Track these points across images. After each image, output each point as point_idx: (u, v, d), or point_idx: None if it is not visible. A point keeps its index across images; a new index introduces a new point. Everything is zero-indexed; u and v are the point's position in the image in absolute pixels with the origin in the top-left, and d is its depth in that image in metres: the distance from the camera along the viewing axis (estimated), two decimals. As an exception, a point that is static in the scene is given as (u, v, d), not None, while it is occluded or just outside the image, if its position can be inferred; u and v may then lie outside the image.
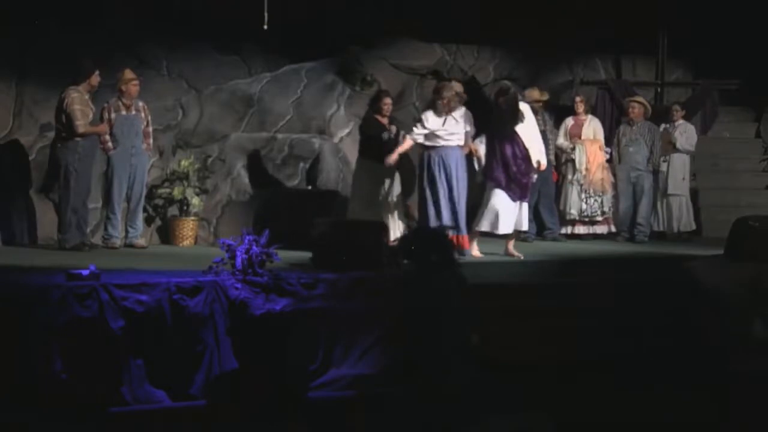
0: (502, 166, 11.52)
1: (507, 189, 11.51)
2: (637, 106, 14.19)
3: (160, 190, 12.63)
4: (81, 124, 11.42)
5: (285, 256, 10.03)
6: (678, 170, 14.29)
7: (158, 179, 12.72)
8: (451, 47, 14.95)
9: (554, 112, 14.46)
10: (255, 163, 13.17)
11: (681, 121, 14.46)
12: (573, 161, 13.94)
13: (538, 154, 11.68)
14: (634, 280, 11.72)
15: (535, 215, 13.54)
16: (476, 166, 11.93)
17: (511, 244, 11.77)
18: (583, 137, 13.93)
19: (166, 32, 13.56)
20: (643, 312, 10.38)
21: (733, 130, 15.61)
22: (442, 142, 11.59)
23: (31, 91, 12.87)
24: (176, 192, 12.56)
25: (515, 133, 11.47)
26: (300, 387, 8.73)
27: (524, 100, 12.01)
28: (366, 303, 9.44)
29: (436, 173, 11.56)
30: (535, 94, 13.76)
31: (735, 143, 15.55)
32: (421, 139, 11.59)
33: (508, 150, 11.49)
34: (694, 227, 14.43)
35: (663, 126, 14.37)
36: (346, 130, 13.79)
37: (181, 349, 8.79)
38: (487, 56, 15.24)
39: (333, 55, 14.20)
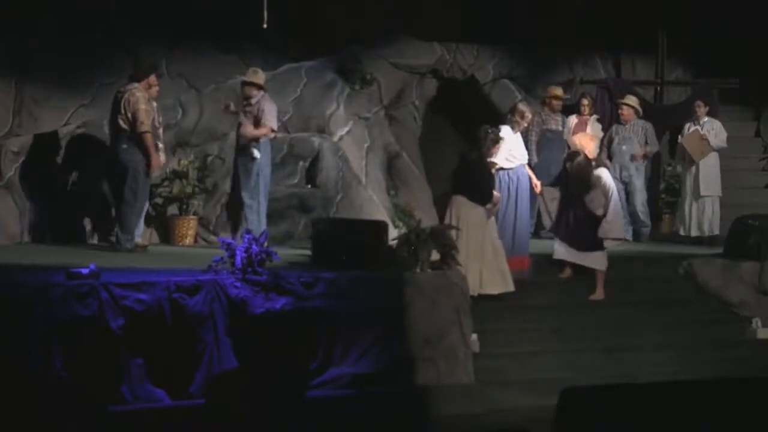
0: (564, 225, 11.46)
1: (564, 242, 11.46)
2: (626, 108, 14.11)
3: (160, 189, 12.62)
4: (145, 124, 11.19)
5: (284, 254, 10.04)
6: (710, 170, 13.85)
7: (158, 178, 12.69)
8: (450, 46, 14.93)
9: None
10: (255, 161, 13.16)
11: (707, 118, 14.07)
12: None
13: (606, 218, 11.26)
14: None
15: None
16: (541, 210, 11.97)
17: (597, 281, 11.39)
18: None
19: (165, 31, 13.55)
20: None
21: (732, 129, 15.59)
22: (517, 162, 11.51)
23: (31, 90, 12.85)
24: (176, 191, 12.55)
25: (583, 200, 11.31)
26: (300, 386, 8.76)
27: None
28: (366, 302, 9.45)
29: (513, 193, 11.45)
30: (557, 91, 13.77)
31: (734, 142, 15.51)
32: (507, 165, 11.42)
33: (573, 213, 11.37)
34: (717, 231, 13.76)
35: (688, 125, 14.07)
36: (346, 129, 13.76)
37: (181, 348, 8.80)
38: (487, 55, 15.22)
39: (332, 54, 14.19)
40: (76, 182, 12.29)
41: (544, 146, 13.51)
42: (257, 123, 11.58)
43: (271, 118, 11.64)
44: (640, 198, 13.97)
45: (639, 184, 13.98)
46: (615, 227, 11.29)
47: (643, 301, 11.41)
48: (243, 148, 11.67)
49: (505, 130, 11.27)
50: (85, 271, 8.72)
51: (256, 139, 11.57)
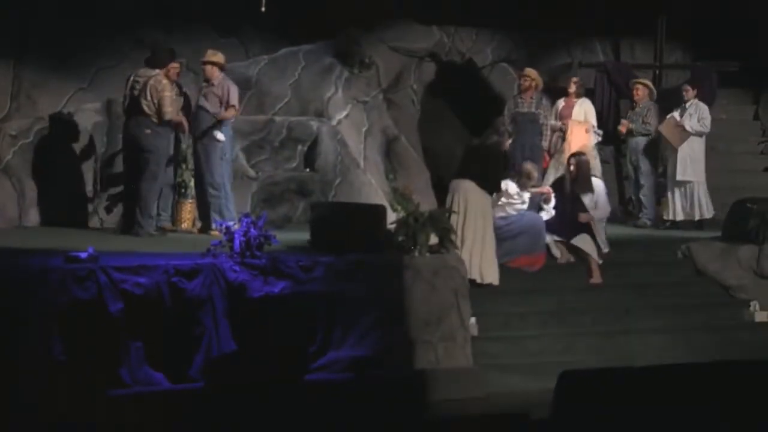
0: (557, 220, 11.47)
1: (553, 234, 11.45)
2: (641, 87, 13.90)
3: (158, 173, 12.60)
4: (170, 111, 11.14)
5: (283, 238, 10.03)
6: (688, 155, 13.58)
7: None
8: (449, 29, 14.91)
9: (553, 95, 14.33)
10: (253, 145, 13.15)
11: (693, 101, 13.73)
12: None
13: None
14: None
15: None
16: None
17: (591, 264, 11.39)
18: (573, 118, 13.58)
19: (164, 14, 13.53)
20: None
21: (731, 112, 15.58)
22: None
23: (29, 74, 12.84)
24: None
25: (578, 200, 11.39)
26: (298, 369, 8.77)
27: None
28: (364, 286, 9.45)
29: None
30: (526, 71, 13.51)
31: (733, 125, 15.52)
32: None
33: (566, 210, 11.42)
34: (710, 214, 13.60)
35: (674, 110, 13.78)
36: (344, 113, 13.77)
37: (180, 332, 8.80)
38: (486, 39, 15.20)
39: (331, 38, 14.17)
40: (74, 165, 12.28)
41: (517, 130, 13.12)
42: (222, 104, 11.47)
43: (235, 99, 11.56)
44: (648, 184, 13.77)
45: (645, 168, 13.77)
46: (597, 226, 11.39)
47: (641, 284, 11.42)
48: (204, 132, 11.50)
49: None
50: (83, 254, 8.72)
51: (220, 122, 11.45)
